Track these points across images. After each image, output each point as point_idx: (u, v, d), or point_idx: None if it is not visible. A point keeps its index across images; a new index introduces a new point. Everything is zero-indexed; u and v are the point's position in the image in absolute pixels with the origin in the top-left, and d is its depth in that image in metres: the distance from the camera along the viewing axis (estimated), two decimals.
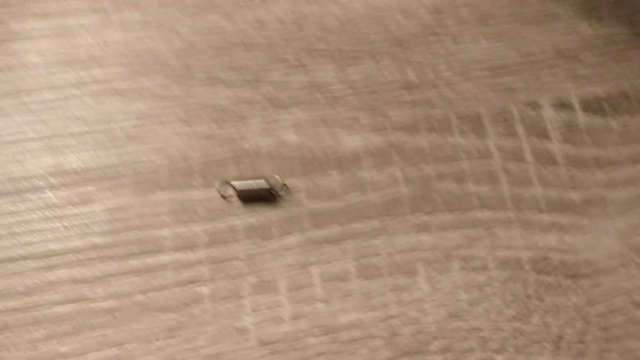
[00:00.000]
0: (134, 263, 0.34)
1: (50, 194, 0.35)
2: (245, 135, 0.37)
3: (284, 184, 0.35)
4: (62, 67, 0.38)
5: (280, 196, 0.35)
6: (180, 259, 0.35)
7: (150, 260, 0.35)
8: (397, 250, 0.35)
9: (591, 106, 0.38)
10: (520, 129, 0.37)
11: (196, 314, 0.33)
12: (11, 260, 0.34)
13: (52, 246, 0.35)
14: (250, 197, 0.35)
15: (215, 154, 0.37)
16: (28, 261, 0.35)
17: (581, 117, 0.38)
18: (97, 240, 0.35)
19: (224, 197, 0.34)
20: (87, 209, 0.35)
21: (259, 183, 0.34)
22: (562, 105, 0.38)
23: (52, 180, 0.35)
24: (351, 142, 0.37)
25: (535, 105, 0.38)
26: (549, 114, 0.38)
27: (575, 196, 0.36)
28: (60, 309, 0.33)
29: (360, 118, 0.37)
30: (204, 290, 0.33)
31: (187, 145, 0.37)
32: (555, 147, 0.37)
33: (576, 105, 0.38)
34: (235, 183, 0.34)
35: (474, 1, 0.41)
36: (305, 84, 0.39)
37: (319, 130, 0.37)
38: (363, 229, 0.35)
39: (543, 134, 0.37)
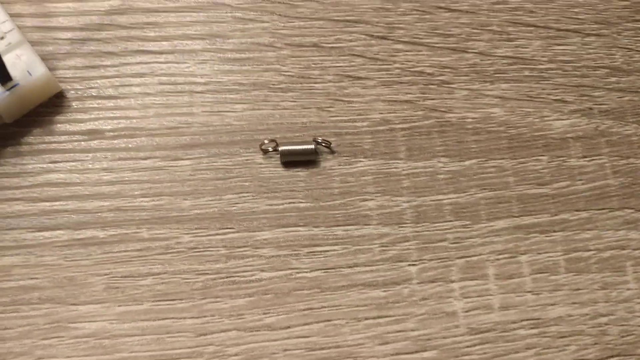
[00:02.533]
0: (340, 233, 0.33)
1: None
2: (449, 105, 0.35)
3: (325, 143, 0.34)
4: None
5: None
6: (388, 233, 0.33)
7: (357, 232, 0.33)
8: (607, 247, 0.33)
9: None
10: None
11: (405, 294, 0.32)
12: (215, 218, 0.33)
13: (254, 207, 0.34)
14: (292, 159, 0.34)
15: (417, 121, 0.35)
16: (233, 222, 0.34)
17: None
18: (301, 204, 0.34)
19: (265, 151, 0.34)
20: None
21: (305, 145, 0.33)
22: None
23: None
24: (559, 125, 0.34)
25: None
26: None
27: None
28: (265, 276, 0.31)
29: (567, 99, 0.35)
30: (412, 270, 0.31)
31: (390, 110, 0.35)
32: None
33: None
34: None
35: None
36: (511, 56, 0.37)
37: (525, 108, 0.36)
38: (572, 220, 0.33)
39: None
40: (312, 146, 0.32)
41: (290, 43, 0.36)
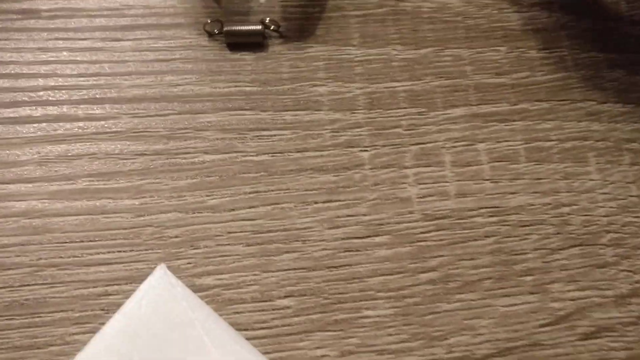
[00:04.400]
0: (289, 118, 0.31)
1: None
2: None
3: (275, 26, 0.32)
4: None
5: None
6: (339, 119, 0.32)
7: (307, 117, 0.32)
8: (568, 137, 0.31)
9: None
10: None
11: (357, 179, 0.30)
12: (155, 100, 0.31)
13: (197, 90, 0.32)
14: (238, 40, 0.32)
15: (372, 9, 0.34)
16: (174, 103, 0.31)
17: None
18: (247, 88, 0.32)
19: (210, 34, 0.32)
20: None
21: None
22: None
23: None
24: (518, 17, 0.33)
25: None
26: None
27: None
28: (208, 158, 0.29)
29: None
30: (364, 155, 0.30)
31: None
32: None
33: None
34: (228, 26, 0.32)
35: None
36: None
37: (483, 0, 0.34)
38: (532, 110, 0.31)
39: None
40: (260, 27, 0.30)
41: None
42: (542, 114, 0.32)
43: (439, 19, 0.33)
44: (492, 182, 0.31)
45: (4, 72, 0.30)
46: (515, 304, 0.28)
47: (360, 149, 0.31)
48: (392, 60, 0.32)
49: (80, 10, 0.31)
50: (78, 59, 0.31)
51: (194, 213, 0.29)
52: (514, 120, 0.32)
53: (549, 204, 0.31)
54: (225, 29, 0.31)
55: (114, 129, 0.30)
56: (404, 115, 0.31)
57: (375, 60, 0.32)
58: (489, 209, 0.30)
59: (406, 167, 0.31)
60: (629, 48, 0.33)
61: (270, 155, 0.30)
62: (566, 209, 0.31)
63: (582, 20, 0.34)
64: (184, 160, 0.30)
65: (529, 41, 0.33)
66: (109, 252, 0.28)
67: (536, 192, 0.31)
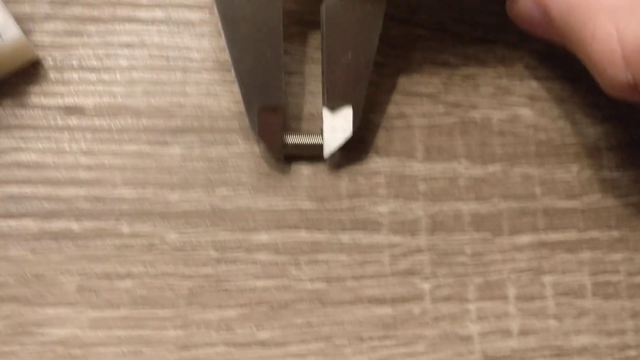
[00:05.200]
0: (346, 240, 0.30)
1: None
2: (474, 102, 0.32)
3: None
4: None
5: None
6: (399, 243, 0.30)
7: (365, 240, 0.30)
8: (639, 271, 0.29)
9: None
10: None
11: (416, 313, 0.29)
12: (206, 216, 0.30)
13: (251, 205, 0.30)
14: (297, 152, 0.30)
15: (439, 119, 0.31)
16: (226, 221, 0.30)
17: None
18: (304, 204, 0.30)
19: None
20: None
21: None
22: None
23: None
24: (593, 131, 0.30)
25: None
26: None
27: None
28: (259, 284, 0.28)
29: (600, 103, 0.31)
30: (425, 286, 0.28)
31: (407, 103, 0.32)
32: None
33: None
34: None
35: None
36: (543, 51, 0.33)
37: (556, 110, 0.32)
38: (602, 239, 0.29)
39: None
40: (321, 141, 0.27)
41: (290, 21, 0.31)
42: (612, 243, 0.30)
43: (509, 132, 0.31)
44: (556, 320, 0.29)
45: (42, 178, 0.28)
46: None
47: (421, 278, 0.28)
48: (458, 177, 0.30)
49: (126, 108, 0.29)
50: (123, 165, 0.28)
51: (243, 347, 0.27)
52: (582, 250, 0.29)
53: (615, 345, 0.28)
54: (285, 140, 0.28)
55: (161, 248, 0.28)
56: (468, 242, 0.29)
57: (441, 177, 0.30)
58: (551, 350, 0.28)
59: (469, 301, 0.29)
60: None
61: (325, 282, 0.28)
62: (632, 352, 0.28)
63: None
64: (234, 286, 0.27)
65: (602, 159, 0.31)
66: None
67: (602, 331, 0.29)
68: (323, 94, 0.28)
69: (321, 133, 0.29)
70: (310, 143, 0.28)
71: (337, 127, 0.28)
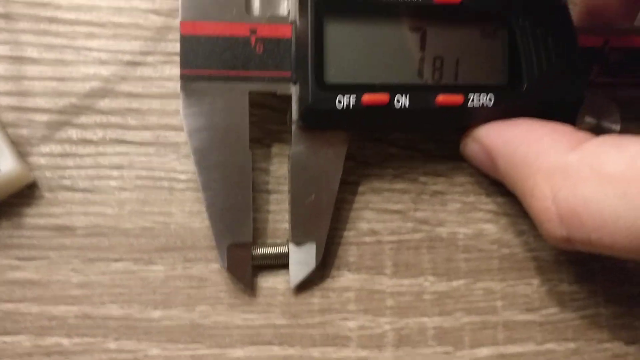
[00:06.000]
0: (317, 355, 0.32)
1: None
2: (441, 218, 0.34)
3: None
4: None
5: None
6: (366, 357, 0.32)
7: (334, 355, 0.32)
8: None
9: None
10: None
11: None
12: (185, 333, 0.32)
13: (228, 322, 0.33)
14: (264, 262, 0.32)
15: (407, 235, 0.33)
16: (205, 337, 0.33)
17: None
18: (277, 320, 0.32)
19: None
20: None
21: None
22: None
23: None
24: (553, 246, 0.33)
25: None
26: None
27: None
28: None
29: None
30: None
31: (378, 220, 0.34)
32: None
33: None
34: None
35: None
36: None
37: (520, 226, 0.34)
38: (558, 350, 0.32)
39: None
40: (286, 249, 0.30)
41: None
42: (568, 355, 0.32)
43: (474, 247, 0.33)
44: None
45: (36, 296, 0.30)
46: None
47: None
48: (424, 292, 0.32)
49: (115, 228, 0.31)
50: (111, 282, 0.30)
51: None
52: None
53: None
54: (253, 251, 0.31)
55: None
56: (431, 355, 0.31)
57: (407, 292, 0.32)
58: None
59: None
60: None
61: None
62: None
63: None
64: None
65: (561, 273, 0.33)
66: None
67: None
68: (289, 232, 0.30)
69: (287, 244, 0.31)
70: (276, 253, 0.31)
71: (302, 261, 0.30)
